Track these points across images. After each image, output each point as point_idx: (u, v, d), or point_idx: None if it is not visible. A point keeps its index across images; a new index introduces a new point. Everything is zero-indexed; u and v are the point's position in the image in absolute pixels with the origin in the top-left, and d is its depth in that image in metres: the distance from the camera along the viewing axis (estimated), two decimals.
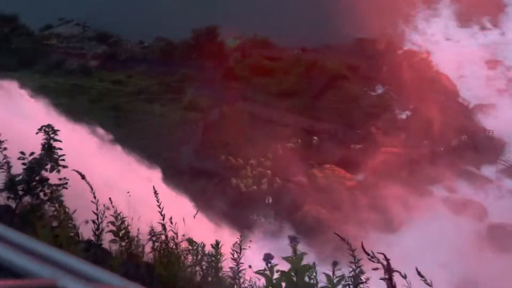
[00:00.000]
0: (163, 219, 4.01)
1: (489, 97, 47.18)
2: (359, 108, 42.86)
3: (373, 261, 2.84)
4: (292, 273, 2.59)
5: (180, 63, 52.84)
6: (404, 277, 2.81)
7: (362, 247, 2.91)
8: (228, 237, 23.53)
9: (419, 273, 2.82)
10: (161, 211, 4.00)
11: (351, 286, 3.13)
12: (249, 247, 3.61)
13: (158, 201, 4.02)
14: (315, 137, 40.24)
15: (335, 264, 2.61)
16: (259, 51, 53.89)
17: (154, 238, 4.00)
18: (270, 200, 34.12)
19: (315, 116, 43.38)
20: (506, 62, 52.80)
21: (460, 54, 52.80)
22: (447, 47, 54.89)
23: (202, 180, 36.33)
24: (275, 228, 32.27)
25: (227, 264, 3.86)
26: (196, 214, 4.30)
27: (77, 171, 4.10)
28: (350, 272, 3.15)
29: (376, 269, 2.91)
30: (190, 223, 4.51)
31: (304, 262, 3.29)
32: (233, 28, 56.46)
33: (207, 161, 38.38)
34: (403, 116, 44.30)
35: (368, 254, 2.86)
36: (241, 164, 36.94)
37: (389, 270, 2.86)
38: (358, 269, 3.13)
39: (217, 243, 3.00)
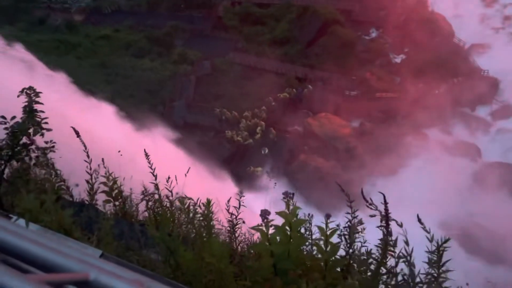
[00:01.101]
0: (156, 179, 3.95)
1: (485, 37, 46.35)
2: (353, 53, 42.14)
3: (371, 208, 2.82)
4: (287, 227, 2.56)
5: (168, 15, 51.22)
6: (400, 225, 2.79)
7: (362, 193, 2.89)
8: (225, 190, 23.83)
9: (419, 220, 2.80)
10: (153, 171, 3.92)
11: (347, 236, 3.13)
12: (243, 203, 3.56)
13: (149, 162, 3.93)
14: (309, 85, 39.84)
15: (328, 216, 2.59)
16: None
17: (147, 198, 3.95)
18: (267, 151, 34.32)
19: (308, 64, 42.73)
20: None
21: None
22: None
23: (197, 134, 36.33)
24: (272, 178, 32.69)
25: (224, 217, 3.84)
26: (188, 171, 4.22)
27: (73, 128, 4.01)
28: (347, 222, 3.14)
29: (373, 216, 2.89)
30: (187, 179, 4.46)
31: (304, 211, 3.28)
32: None
33: (201, 115, 38.17)
34: (398, 59, 43.71)
35: (367, 201, 2.84)
36: (235, 116, 36.80)
37: (386, 215, 2.84)
38: (354, 219, 3.12)
39: (208, 201, 2.95)
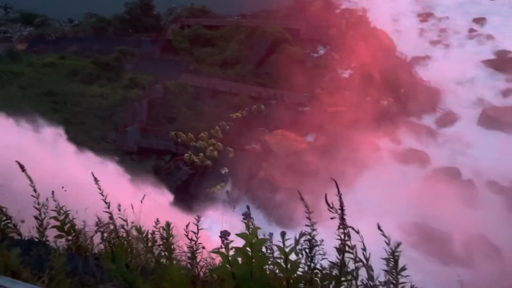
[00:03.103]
0: (109, 207, 3.80)
1: (424, 49, 49.22)
2: (302, 70, 43.24)
3: (332, 212, 2.87)
4: (248, 248, 2.54)
5: (116, 39, 50.58)
6: (357, 232, 2.85)
7: (325, 199, 2.91)
8: (185, 214, 23.42)
9: (379, 228, 2.85)
10: (105, 198, 3.79)
11: (307, 250, 3.13)
12: (201, 227, 3.50)
13: (100, 189, 3.79)
14: (262, 105, 40.33)
15: (283, 234, 2.60)
16: (197, 20, 52.52)
17: (102, 229, 3.79)
18: (226, 171, 34.15)
19: (261, 83, 43.38)
20: (436, 13, 54.96)
21: (394, 9, 54.26)
22: (381, 3, 56.08)
23: (152, 158, 35.60)
24: (233, 198, 32.50)
25: (184, 244, 3.75)
26: (143, 198, 4.10)
27: (18, 162, 3.80)
28: (307, 235, 3.15)
29: (333, 218, 2.93)
30: (144, 206, 4.33)
31: (266, 228, 3.27)
32: None
33: (155, 139, 37.50)
34: (346, 74, 45.32)
35: (329, 205, 2.88)
36: (191, 138, 36.46)
37: (342, 214, 2.88)
38: (313, 232, 3.13)
39: (168, 224, 2.87)
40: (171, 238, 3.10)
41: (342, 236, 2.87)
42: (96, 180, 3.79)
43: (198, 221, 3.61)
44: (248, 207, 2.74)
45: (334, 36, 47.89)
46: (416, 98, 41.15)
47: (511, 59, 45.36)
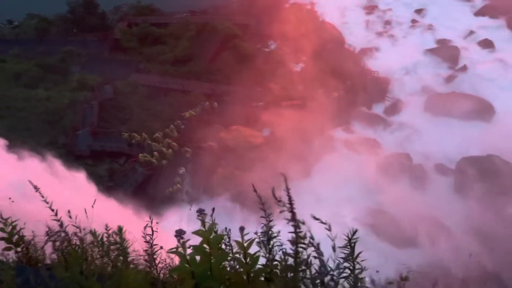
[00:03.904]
0: (56, 215, 3.66)
1: (371, 40, 50.79)
2: (255, 66, 43.38)
3: (279, 205, 2.91)
4: (205, 245, 2.53)
5: (60, 40, 48.49)
6: (303, 223, 2.90)
7: (273, 193, 2.94)
8: (143, 217, 22.91)
9: (314, 218, 2.91)
10: (50, 206, 3.64)
11: (265, 242, 3.15)
12: (156, 228, 3.45)
13: (42, 196, 3.64)
14: (215, 102, 40.07)
15: (241, 229, 2.61)
16: (145, 18, 51.29)
17: (53, 238, 3.64)
18: (183, 170, 33.70)
19: (214, 79, 43.08)
20: (381, 6, 56.81)
21: (341, 2, 55.52)
22: None
23: (106, 162, 34.55)
24: (193, 197, 32.19)
25: (141, 247, 3.68)
26: (94, 203, 3.98)
27: None
28: (262, 227, 3.17)
29: (282, 211, 2.97)
30: (100, 211, 4.19)
31: (227, 225, 3.27)
32: None
33: (108, 141, 36.39)
34: (298, 68, 45.92)
35: (276, 199, 2.91)
36: (146, 138, 35.68)
37: (292, 213, 2.92)
38: (269, 224, 3.16)
39: (120, 229, 2.81)
40: (124, 242, 3.03)
41: (294, 228, 2.92)
42: (36, 188, 3.63)
43: (151, 221, 3.55)
44: (207, 210, 2.70)
45: (284, 30, 48.34)
46: (366, 88, 42.46)
47: (451, 47, 47.76)
